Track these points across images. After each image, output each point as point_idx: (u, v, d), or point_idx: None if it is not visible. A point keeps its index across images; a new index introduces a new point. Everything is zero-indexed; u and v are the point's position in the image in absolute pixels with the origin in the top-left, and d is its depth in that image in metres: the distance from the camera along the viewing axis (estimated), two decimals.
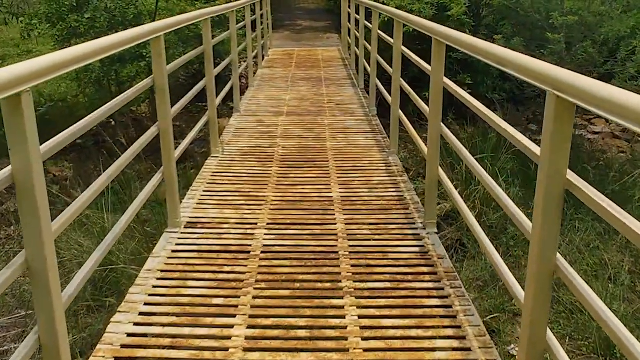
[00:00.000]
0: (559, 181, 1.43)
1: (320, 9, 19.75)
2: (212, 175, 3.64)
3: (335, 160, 3.92)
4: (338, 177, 3.61)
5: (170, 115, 2.69)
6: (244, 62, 7.85)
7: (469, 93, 2.68)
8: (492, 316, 3.43)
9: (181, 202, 3.07)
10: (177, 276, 2.50)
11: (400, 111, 3.99)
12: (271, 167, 3.82)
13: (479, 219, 3.89)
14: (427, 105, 2.87)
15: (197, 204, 3.15)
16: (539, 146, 1.50)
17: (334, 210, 3.09)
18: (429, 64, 2.77)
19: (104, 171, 2.15)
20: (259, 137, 4.51)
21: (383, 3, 8.44)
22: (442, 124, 2.67)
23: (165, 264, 2.63)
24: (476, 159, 2.38)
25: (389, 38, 4.29)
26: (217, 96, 4.23)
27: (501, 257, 2.13)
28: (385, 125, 4.72)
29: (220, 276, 2.53)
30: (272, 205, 3.11)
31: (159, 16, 8.31)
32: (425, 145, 2.92)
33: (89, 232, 4.28)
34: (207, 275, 2.52)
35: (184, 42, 7.97)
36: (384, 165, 3.90)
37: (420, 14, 7.86)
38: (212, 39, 3.91)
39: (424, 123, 4.46)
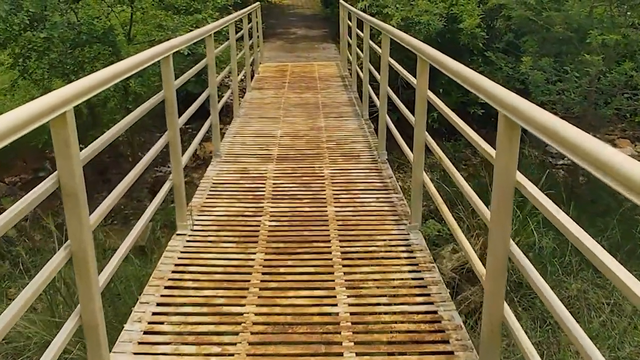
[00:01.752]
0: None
1: (316, 15, 19.49)
2: (173, 271, 3.06)
3: (341, 241, 3.33)
4: (346, 277, 3.01)
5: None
6: (229, 85, 7.71)
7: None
8: None
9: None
10: None
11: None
12: (255, 251, 3.25)
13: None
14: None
15: (146, 330, 2.54)
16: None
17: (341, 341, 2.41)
18: None
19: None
20: (242, 198, 3.98)
21: (387, 14, 8.44)
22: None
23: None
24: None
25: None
26: (197, 142, 4.35)
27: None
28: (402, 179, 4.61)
29: None
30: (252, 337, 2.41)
31: (134, 29, 8.36)
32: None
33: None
34: None
35: None
36: (404, 246, 3.41)
37: (428, 27, 7.92)
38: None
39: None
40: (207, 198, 3.80)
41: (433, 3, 7.97)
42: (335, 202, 3.70)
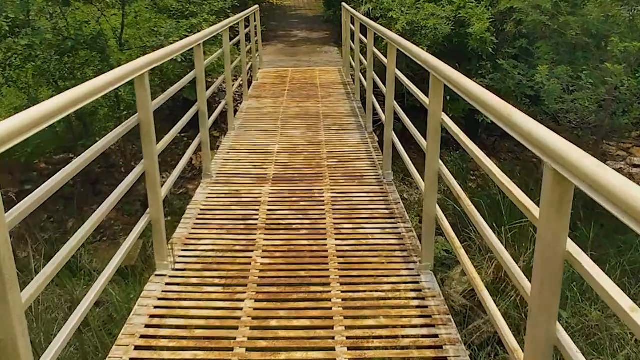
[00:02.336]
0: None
1: (318, 17, 18.98)
2: (147, 325, 2.69)
3: (342, 284, 2.97)
4: (347, 333, 2.63)
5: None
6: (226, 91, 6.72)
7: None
8: None
9: None
10: None
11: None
12: (243, 298, 2.88)
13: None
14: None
15: None
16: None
17: None
18: None
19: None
20: (232, 228, 3.56)
21: (392, 18, 8.04)
22: (440, 160, 2.73)
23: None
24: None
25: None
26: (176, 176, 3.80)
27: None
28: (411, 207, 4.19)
29: None
30: None
31: (126, 34, 7.82)
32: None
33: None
34: None
35: None
36: (414, 291, 3.03)
37: (435, 31, 7.55)
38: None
39: None
40: (192, 229, 3.46)
41: (440, 6, 7.63)
42: (336, 234, 3.36)
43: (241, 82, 7.36)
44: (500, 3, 7.15)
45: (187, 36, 6.15)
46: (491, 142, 8.17)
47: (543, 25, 6.61)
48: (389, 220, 3.53)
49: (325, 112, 6.57)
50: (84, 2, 7.01)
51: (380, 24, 5.71)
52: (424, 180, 2.84)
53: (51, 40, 5.90)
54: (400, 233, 3.36)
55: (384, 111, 4.35)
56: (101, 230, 6.80)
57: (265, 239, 3.29)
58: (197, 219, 3.56)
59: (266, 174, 4.37)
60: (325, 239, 3.28)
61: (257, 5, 8.83)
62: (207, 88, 4.55)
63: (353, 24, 7.40)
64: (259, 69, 9.43)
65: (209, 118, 4.42)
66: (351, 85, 8.01)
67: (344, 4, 9.08)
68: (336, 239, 3.28)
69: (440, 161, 2.70)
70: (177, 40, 5.14)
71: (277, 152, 4.94)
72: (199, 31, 6.41)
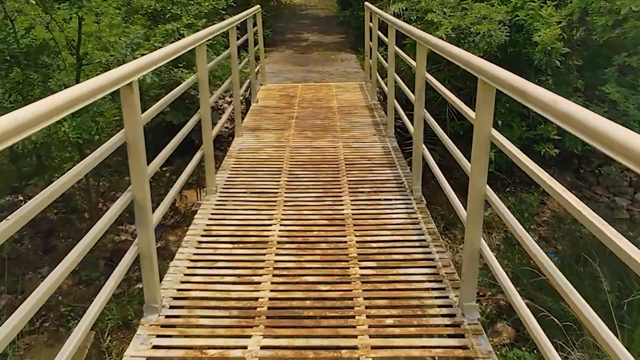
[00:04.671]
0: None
1: (331, 17, 17.62)
2: None
3: None
4: None
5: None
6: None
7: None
8: None
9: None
10: None
11: None
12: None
13: None
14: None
15: None
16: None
17: None
18: None
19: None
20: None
21: (431, 23, 6.63)
22: (487, 185, 2.60)
23: None
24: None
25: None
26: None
27: None
28: None
29: None
30: None
31: (84, 46, 6.23)
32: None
33: None
34: None
35: None
36: None
37: (490, 39, 6.14)
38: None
39: None
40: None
41: (493, 7, 6.64)
42: None
43: (233, 112, 6.17)
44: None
45: (160, 47, 5.51)
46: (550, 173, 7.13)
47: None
48: None
49: (349, 158, 5.26)
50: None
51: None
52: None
53: None
54: None
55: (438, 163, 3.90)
56: (43, 313, 5.37)
57: None
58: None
59: (255, 306, 3.00)
60: None
61: (258, 6, 7.06)
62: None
63: (381, 30, 6.57)
64: (261, 85, 8.41)
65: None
66: (378, 110, 6.96)
67: (367, 3, 8.10)
68: None
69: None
70: (146, 54, 4.26)
71: (278, 245, 3.64)
72: (176, 40, 5.88)
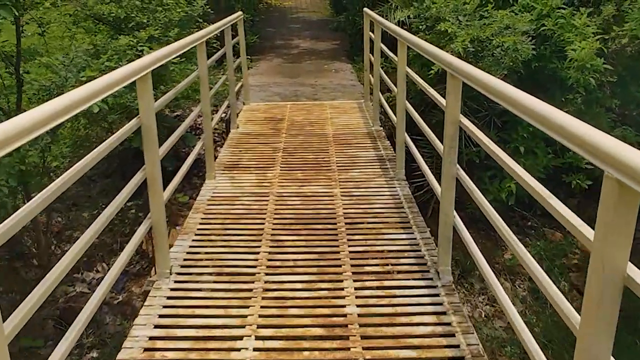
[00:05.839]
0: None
1: (324, 21, 16.45)
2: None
3: None
4: None
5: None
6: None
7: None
8: None
9: None
10: None
11: None
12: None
13: None
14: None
15: None
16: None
17: None
18: None
19: None
20: None
21: (444, 33, 5.67)
22: (457, 165, 3.19)
23: None
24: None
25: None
26: None
27: None
28: None
29: None
30: None
31: (25, 64, 5.25)
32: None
33: None
34: None
35: None
36: None
37: (516, 53, 5.29)
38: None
39: None
40: None
41: (514, 14, 6.01)
42: None
43: (203, 149, 5.14)
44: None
45: (113, 68, 4.69)
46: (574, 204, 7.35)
47: None
48: None
49: (350, 214, 4.15)
50: None
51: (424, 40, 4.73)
52: (440, 185, 3.45)
53: None
54: None
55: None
56: None
57: None
58: None
59: None
60: None
61: (240, 13, 5.84)
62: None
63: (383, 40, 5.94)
64: (244, 103, 7.58)
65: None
66: (382, 139, 6.10)
67: (367, 10, 7.29)
68: None
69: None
70: (93, 77, 3.86)
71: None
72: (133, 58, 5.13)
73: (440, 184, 3.38)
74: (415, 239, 3.67)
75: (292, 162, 5.22)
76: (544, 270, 2.00)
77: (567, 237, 6.49)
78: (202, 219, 4.09)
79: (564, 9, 5.70)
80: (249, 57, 10.76)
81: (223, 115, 6.38)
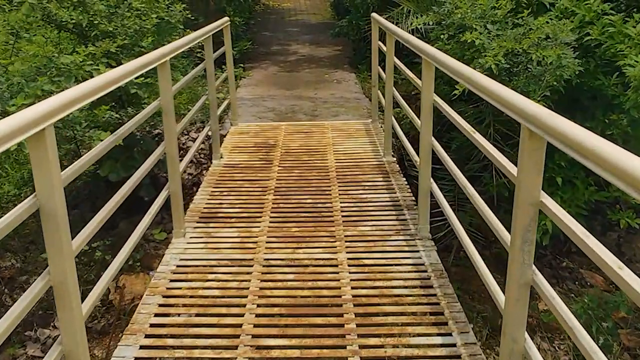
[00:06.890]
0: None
1: (324, 24, 14.78)
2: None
3: None
4: None
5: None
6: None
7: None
8: None
9: None
10: None
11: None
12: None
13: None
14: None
15: None
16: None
17: None
18: None
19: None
20: None
21: (470, 45, 4.65)
22: (432, 137, 3.95)
23: None
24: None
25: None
26: None
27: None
28: None
29: None
30: None
31: None
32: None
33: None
34: None
35: None
36: None
37: (560, 70, 4.21)
38: None
39: None
40: None
41: (553, 21, 5.01)
42: None
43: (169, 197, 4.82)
44: None
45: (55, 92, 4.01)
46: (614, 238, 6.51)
47: None
48: None
49: (362, 296, 2.91)
50: None
51: (447, 53, 4.12)
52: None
53: None
54: None
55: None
56: None
57: None
58: None
59: None
60: None
61: (225, 19, 4.86)
62: None
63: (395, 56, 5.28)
64: (231, 124, 6.89)
65: None
66: (396, 175, 4.93)
67: (376, 16, 6.25)
68: None
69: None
70: (26, 105, 3.26)
71: None
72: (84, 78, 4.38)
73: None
74: (455, 345, 2.56)
75: (285, 209, 4.28)
76: (584, 328, 1.77)
77: (616, 293, 5.43)
78: (159, 306, 2.94)
79: (612, 14, 4.73)
80: (242, 65, 10.39)
81: (202, 144, 5.61)
